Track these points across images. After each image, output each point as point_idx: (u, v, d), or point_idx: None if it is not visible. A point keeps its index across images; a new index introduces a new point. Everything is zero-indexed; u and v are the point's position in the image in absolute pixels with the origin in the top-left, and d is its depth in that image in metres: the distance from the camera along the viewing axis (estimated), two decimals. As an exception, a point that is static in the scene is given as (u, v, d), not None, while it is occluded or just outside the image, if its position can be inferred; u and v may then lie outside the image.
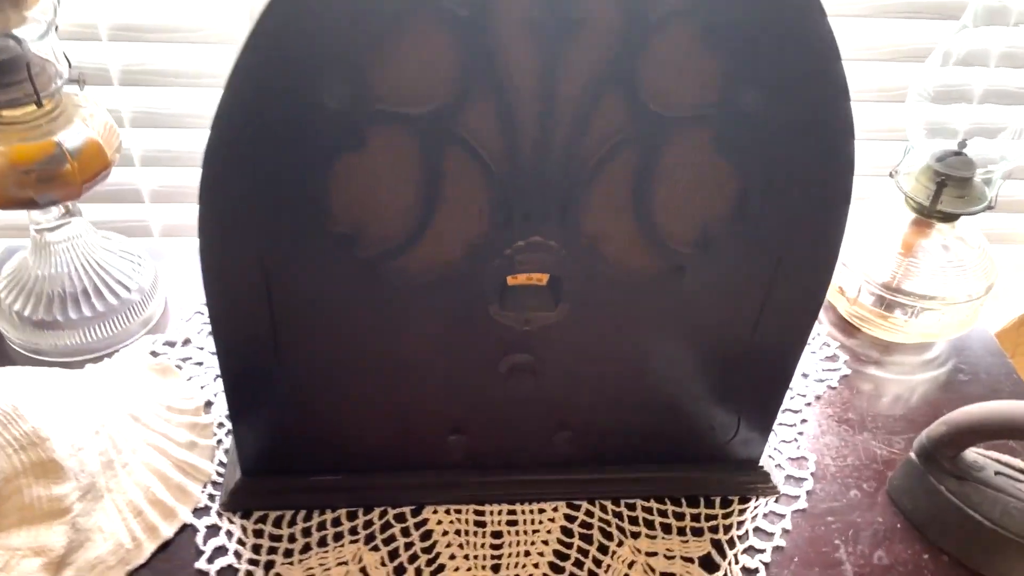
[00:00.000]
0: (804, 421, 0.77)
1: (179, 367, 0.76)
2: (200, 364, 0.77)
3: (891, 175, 0.82)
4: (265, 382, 0.59)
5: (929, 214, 0.79)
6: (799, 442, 0.75)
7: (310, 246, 0.52)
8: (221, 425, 0.72)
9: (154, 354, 0.77)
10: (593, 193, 0.51)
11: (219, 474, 0.68)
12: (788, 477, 0.72)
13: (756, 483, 0.70)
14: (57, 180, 0.67)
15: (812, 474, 0.72)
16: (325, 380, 0.60)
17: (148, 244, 0.92)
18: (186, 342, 0.79)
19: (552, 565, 0.64)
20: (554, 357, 0.61)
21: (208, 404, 0.73)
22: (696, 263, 0.55)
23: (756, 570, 0.65)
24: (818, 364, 0.83)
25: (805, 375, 0.82)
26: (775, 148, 0.51)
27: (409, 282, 0.55)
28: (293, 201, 0.50)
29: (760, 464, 0.71)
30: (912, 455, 0.68)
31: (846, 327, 0.88)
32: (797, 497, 0.70)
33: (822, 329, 0.88)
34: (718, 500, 0.70)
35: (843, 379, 0.82)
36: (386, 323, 0.57)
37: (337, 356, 0.59)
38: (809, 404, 0.79)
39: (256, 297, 0.54)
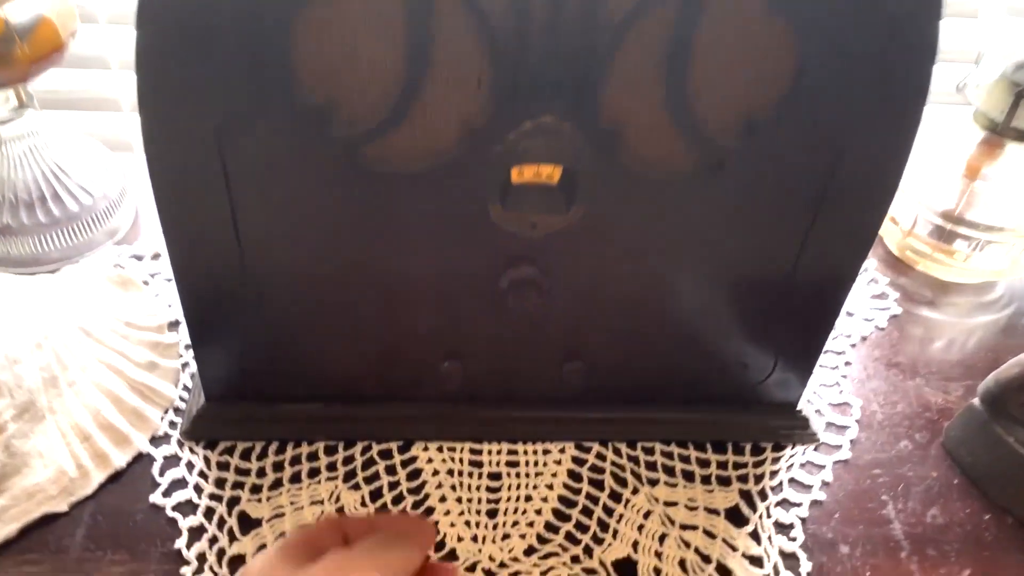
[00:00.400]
0: (848, 364, 0.68)
1: (146, 283, 0.68)
2: (171, 281, 0.69)
3: (958, 89, 0.71)
4: (227, 293, 0.51)
5: (1002, 132, 0.69)
6: (842, 386, 0.66)
7: (274, 123, 0.43)
8: (189, 347, 0.64)
9: (119, 267, 0.69)
10: (617, 63, 0.42)
11: (183, 399, 0.61)
12: (829, 424, 0.63)
13: (793, 429, 0.61)
14: (1, 60, 0.58)
15: (857, 421, 0.64)
16: (297, 293, 0.52)
17: (129, 159, 0.84)
18: (156, 256, 0.71)
19: (556, 512, 0.56)
20: (564, 272, 0.52)
21: (176, 323, 0.65)
22: (738, 158, 0.46)
23: (791, 525, 0.56)
24: (865, 302, 0.74)
25: (850, 314, 0.73)
26: (842, 14, 0.41)
27: (394, 173, 0.46)
28: (251, 65, 0.41)
29: (798, 408, 0.62)
30: (975, 401, 0.59)
31: (896, 264, 0.79)
32: (839, 447, 0.62)
33: (869, 264, 0.78)
34: (748, 447, 0.61)
35: (892, 320, 0.73)
36: (367, 224, 0.49)
37: (310, 264, 0.50)
38: (854, 345, 0.70)
39: (212, 188, 0.46)
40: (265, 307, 0.52)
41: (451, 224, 0.49)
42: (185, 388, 0.61)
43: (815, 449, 0.61)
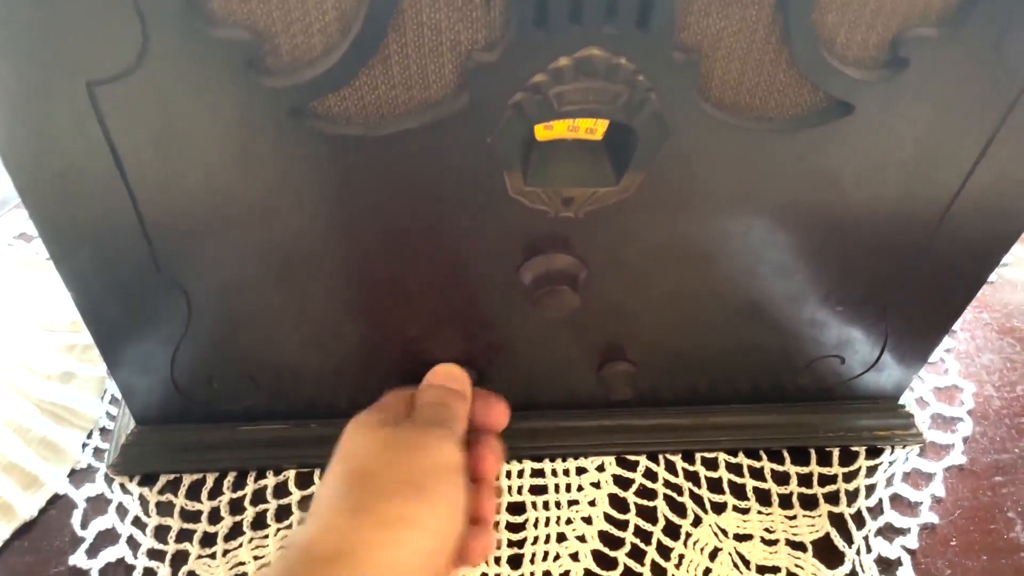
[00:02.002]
0: (952, 332, 0.55)
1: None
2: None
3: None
4: (140, 295, 0.37)
5: None
6: (947, 364, 0.53)
7: (177, 72, 0.28)
8: (118, 342, 0.50)
9: (17, 242, 0.54)
10: (705, -42, 0.26)
11: (110, 417, 0.47)
12: (935, 417, 0.50)
13: (893, 429, 0.48)
14: None
15: (969, 412, 0.50)
16: (236, 292, 0.37)
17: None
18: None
19: (598, 556, 0.44)
20: (608, 261, 0.37)
21: (101, 311, 0.51)
22: (874, 98, 0.31)
23: (898, 562, 0.44)
24: (965, 248, 0.59)
25: (948, 264, 0.58)
26: None
27: (362, 136, 0.31)
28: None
29: (900, 403, 0.49)
30: None
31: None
32: (950, 447, 0.49)
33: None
34: (836, 453, 0.48)
35: (1002, 271, 0.59)
36: (329, 206, 0.34)
37: (251, 257, 0.36)
38: (957, 307, 0.56)
39: (95, 168, 0.31)
40: (194, 311, 0.38)
41: (451, 202, 0.34)
42: (114, 401, 0.48)
43: (920, 453, 0.48)
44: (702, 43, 0.29)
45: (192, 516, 0.44)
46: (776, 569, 0.43)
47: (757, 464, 0.47)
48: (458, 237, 0.36)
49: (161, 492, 0.45)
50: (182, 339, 0.39)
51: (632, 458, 0.47)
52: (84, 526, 0.43)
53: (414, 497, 0.31)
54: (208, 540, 0.43)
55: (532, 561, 0.43)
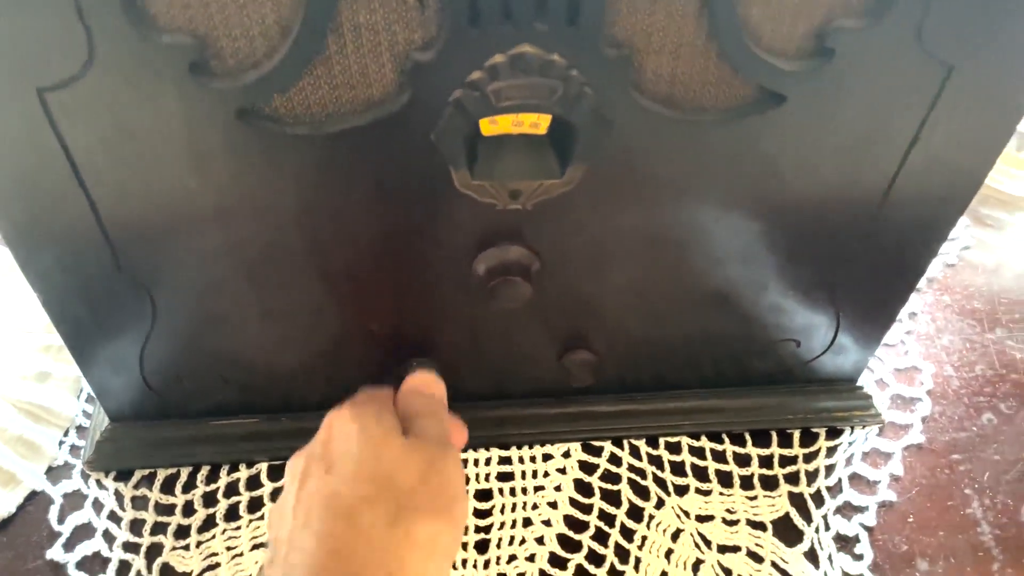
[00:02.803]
0: (913, 315, 0.56)
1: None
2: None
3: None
4: (104, 295, 0.38)
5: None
6: (907, 345, 0.54)
7: (125, 77, 0.29)
8: (94, 342, 0.51)
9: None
10: (630, -43, 0.27)
11: (87, 415, 0.48)
12: (895, 398, 0.51)
13: (852, 410, 0.49)
14: None
15: (928, 392, 0.52)
16: (200, 289, 0.39)
17: None
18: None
19: (563, 540, 0.45)
20: (561, 249, 0.38)
21: (76, 311, 0.52)
22: (805, 88, 0.32)
23: (855, 539, 0.45)
24: (928, 231, 0.60)
25: (910, 247, 0.59)
26: None
27: (310, 135, 0.32)
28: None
29: (858, 384, 0.50)
30: (1084, 369, 0.47)
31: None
32: (908, 427, 0.50)
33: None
34: (796, 435, 0.49)
35: (963, 253, 0.60)
36: (281, 204, 0.35)
37: (211, 255, 0.37)
38: (918, 289, 0.57)
39: (52, 171, 0.32)
40: (159, 310, 0.39)
41: (401, 198, 0.35)
42: (90, 399, 0.49)
43: (879, 433, 0.50)
44: (633, 38, 0.30)
45: (166, 509, 0.45)
46: (736, 548, 0.44)
47: (719, 447, 0.48)
48: (411, 232, 0.37)
49: (136, 487, 0.46)
50: (149, 338, 0.40)
51: (597, 444, 0.48)
52: (61, 521, 0.44)
53: (442, 519, 0.31)
54: (182, 532, 0.44)
55: (499, 546, 0.44)
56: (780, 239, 0.39)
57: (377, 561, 0.28)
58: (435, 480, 0.32)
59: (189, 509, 0.45)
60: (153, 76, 0.29)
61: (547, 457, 0.48)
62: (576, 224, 0.37)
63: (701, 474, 0.47)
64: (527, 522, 0.45)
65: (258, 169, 0.33)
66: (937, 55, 0.31)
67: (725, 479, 0.47)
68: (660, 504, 0.46)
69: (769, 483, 0.47)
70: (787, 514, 0.46)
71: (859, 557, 0.44)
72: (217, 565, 0.43)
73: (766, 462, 0.48)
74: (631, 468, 0.47)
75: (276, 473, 0.46)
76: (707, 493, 0.47)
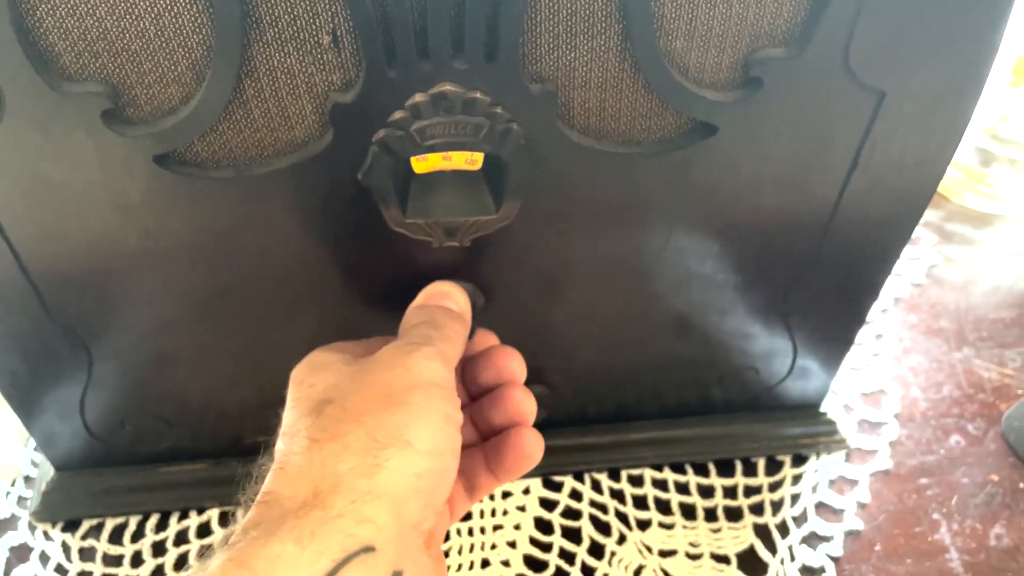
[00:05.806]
0: (879, 336, 0.55)
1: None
2: None
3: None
4: (36, 347, 0.37)
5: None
6: (873, 368, 0.53)
7: (44, 125, 0.28)
8: (44, 388, 0.50)
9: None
10: (544, -9, 0.27)
11: (34, 464, 0.47)
12: (862, 423, 0.50)
13: (816, 436, 0.49)
14: None
15: (895, 415, 0.51)
16: (136, 336, 0.38)
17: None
18: None
19: (522, 580, 0.44)
20: (504, 285, 0.38)
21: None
22: (736, 118, 0.31)
23: (821, 569, 0.44)
24: (893, 251, 0.60)
25: (875, 267, 0.59)
26: None
27: (233, 179, 0.31)
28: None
29: (821, 410, 0.49)
30: (1049, 388, 0.46)
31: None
32: (875, 452, 0.49)
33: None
34: (761, 463, 0.48)
35: (930, 272, 0.59)
36: (212, 249, 0.34)
37: (144, 302, 0.36)
38: (885, 310, 0.56)
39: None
40: (95, 356, 0.38)
41: (333, 239, 0.34)
42: (38, 448, 0.48)
43: (846, 459, 0.49)
44: (556, 73, 0.30)
45: (114, 560, 0.44)
46: (700, 583, 0.43)
47: (683, 478, 0.47)
48: (344, 272, 0.36)
49: (84, 537, 0.44)
50: (87, 385, 0.39)
51: (557, 479, 0.47)
52: (7, 575, 0.43)
53: (391, 411, 0.26)
54: (130, 584, 0.43)
55: (455, 588, 0.43)
56: (728, 266, 0.38)
57: (322, 489, 0.25)
58: (379, 381, 0.27)
59: (138, 559, 0.44)
60: (66, 126, 0.28)
61: (506, 495, 0.47)
62: (517, 258, 0.36)
63: (664, 507, 0.46)
64: (485, 563, 0.44)
65: (183, 213, 0.32)
66: (867, 82, 0.30)
67: (688, 511, 0.46)
68: (622, 540, 0.45)
69: (733, 514, 0.46)
70: (751, 546, 0.45)
71: (825, 589, 0.43)
72: (166, 617, 0.42)
73: (730, 492, 0.47)
74: (592, 503, 0.46)
75: (226, 520, 0.45)
76: (670, 527, 0.46)
